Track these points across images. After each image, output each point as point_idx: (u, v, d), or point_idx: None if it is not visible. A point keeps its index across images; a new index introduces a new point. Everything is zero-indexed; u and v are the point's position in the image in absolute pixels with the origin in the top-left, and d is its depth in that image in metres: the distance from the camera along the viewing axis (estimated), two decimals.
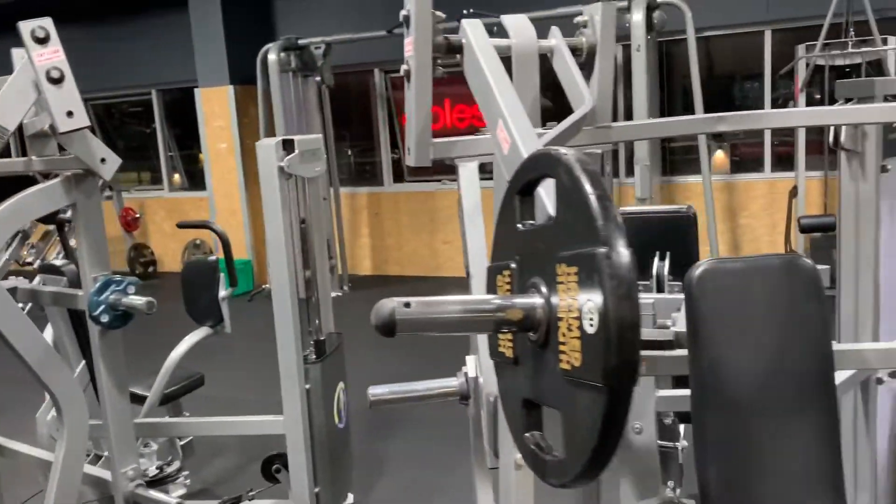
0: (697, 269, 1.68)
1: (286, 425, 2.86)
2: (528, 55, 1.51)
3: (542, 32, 1.55)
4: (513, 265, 1.06)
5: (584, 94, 1.44)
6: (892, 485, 2.19)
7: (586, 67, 1.58)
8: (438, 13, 1.49)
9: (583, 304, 0.86)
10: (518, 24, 1.52)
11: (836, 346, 1.79)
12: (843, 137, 2.23)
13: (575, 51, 1.57)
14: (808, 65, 5.58)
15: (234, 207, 7.65)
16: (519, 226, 1.06)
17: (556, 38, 1.54)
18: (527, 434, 1.06)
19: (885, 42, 5.35)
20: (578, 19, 1.57)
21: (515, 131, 1.23)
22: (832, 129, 2.25)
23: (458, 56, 1.51)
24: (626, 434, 2.19)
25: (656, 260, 2.36)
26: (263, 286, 7.11)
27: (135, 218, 8.68)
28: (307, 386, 2.90)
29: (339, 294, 7.44)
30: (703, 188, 5.89)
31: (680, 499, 2.04)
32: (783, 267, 1.67)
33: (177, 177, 9.38)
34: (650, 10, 5.72)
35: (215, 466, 3.77)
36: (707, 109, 6.71)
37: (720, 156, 7.12)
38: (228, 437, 3.77)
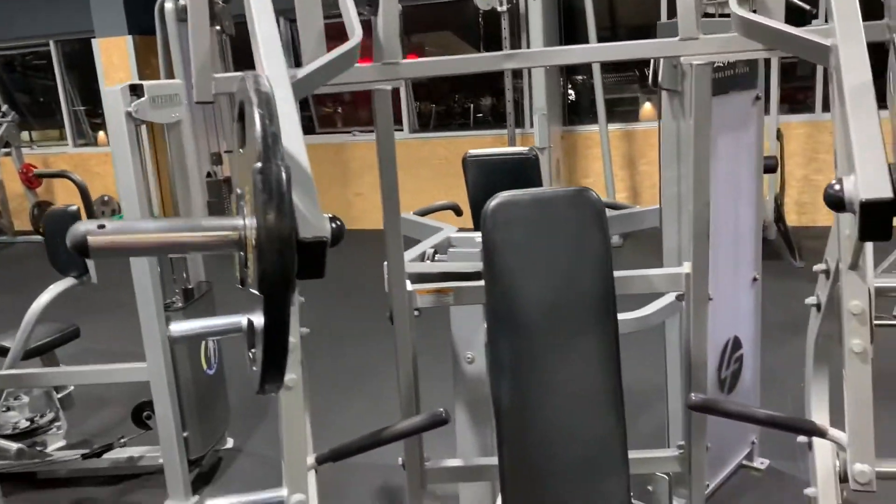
0: (491, 203, 1.76)
1: (149, 372, 2.88)
2: None
3: None
4: (238, 190, 1.10)
5: (354, 28, 1.47)
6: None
7: (372, 4, 1.61)
8: None
9: (252, 220, 0.91)
10: None
11: (630, 272, 1.90)
12: (661, 77, 2.32)
13: None
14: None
15: (143, 151, 7.44)
16: (240, 150, 1.10)
17: None
18: (251, 350, 1.11)
19: None
20: None
21: (265, 63, 1.26)
22: (651, 68, 2.34)
23: None
24: (460, 364, 2.29)
25: None
26: None
27: (36, 175, 8.39)
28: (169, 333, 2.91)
29: None
30: (600, 137, 6.01)
31: None
32: (570, 198, 1.75)
33: (102, 134, 9.05)
34: None
35: (98, 418, 3.76)
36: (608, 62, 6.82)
37: (648, 108, 7.26)
38: (113, 389, 3.76)
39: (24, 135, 9.45)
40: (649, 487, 2.60)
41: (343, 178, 7.85)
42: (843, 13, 1.24)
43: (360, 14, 1.55)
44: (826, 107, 6.59)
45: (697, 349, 1.86)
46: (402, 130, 7.62)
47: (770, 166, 5.90)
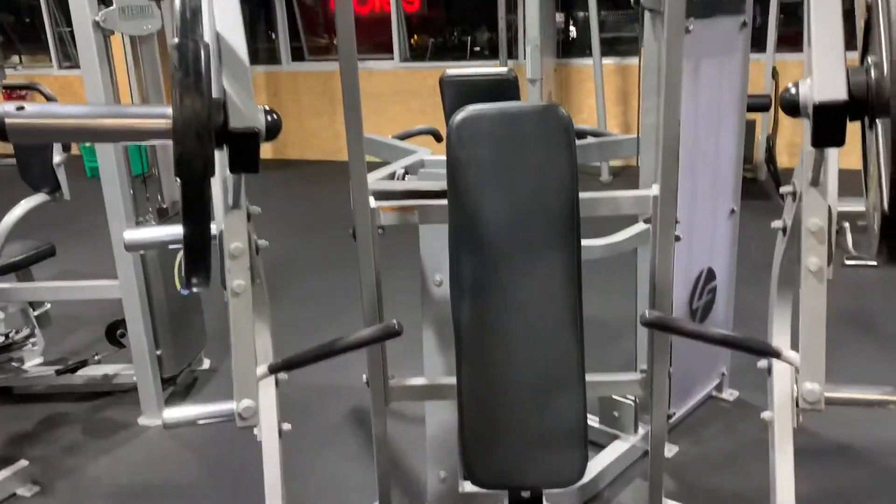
0: (457, 117, 1.71)
1: (121, 289, 2.88)
2: None
3: None
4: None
5: None
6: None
7: None
8: None
9: None
10: None
11: (597, 193, 1.87)
12: None
13: None
14: None
15: (121, 82, 7.30)
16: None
17: None
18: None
19: None
20: None
21: None
22: None
23: None
24: (428, 286, 2.27)
25: None
26: (153, 169, 6.93)
27: (20, 96, 8.24)
28: (141, 251, 2.90)
29: None
30: (594, 70, 5.89)
31: None
32: (538, 114, 1.71)
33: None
34: None
35: (74, 337, 3.77)
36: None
37: None
38: (89, 309, 3.74)
39: (15, 58, 9.26)
40: (615, 413, 2.62)
41: (332, 108, 7.73)
42: None
43: None
44: None
45: (662, 272, 1.84)
46: (392, 59, 7.47)
47: (763, 105, 5.81)
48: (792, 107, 0.97)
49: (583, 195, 1.75)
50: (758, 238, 3.82)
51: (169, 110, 0.97)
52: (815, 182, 1.24)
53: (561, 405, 1.71)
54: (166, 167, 3.23)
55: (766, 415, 1.79)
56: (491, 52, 7.57)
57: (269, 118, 1.00)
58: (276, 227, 5.21)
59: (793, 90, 0.97)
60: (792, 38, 6.70)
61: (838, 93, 0.91)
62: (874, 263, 3.24)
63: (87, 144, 8.00)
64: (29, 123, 0.92)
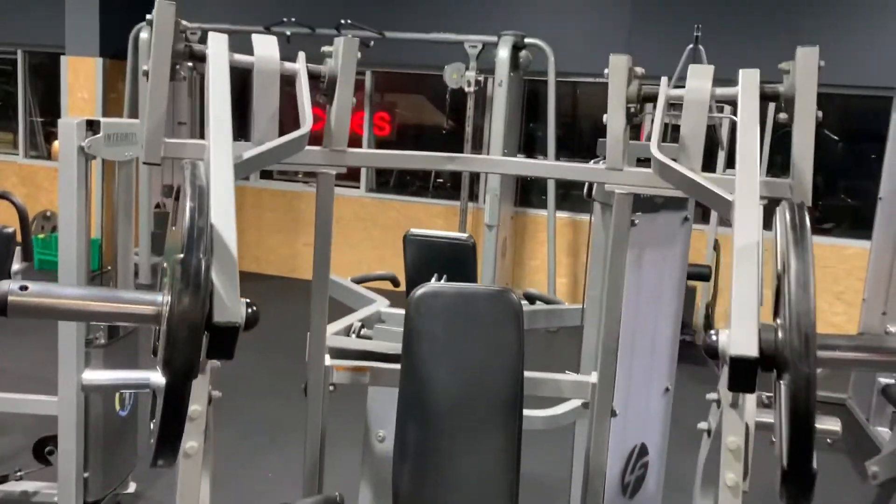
0: (417, 291, 1.84)
1: (59, 407, 2.84)
2: (269, 73, 1.61)
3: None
4: (164, 264, 1.15)
5: (306, 118, 1.55)
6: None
7: (328, 94, 1.70)
8: (185, 22, 1.57)
9: (166, 303, 0.96)
10: (263, 43, 1.63)
11: (540, 374, 1.98)
12: (595, 191, 2.46)
13: (319, 77, 1.69)
14: (652, 121, 5.99)
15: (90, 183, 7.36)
16: (172, 227, 1.16)
17: (299, 63, 1.66)
18: (153, 421, 1.15)
19: (720, 110, 5.84)
20: (325, 49, 1.69)
21: (212, 145, 1.33)
22: (587, 182, 2.48)
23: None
24: (371, 440, 2.31)
25: (433, 280, 2.51)
26: (108, 267, 6.89)
27: None
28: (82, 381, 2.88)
29: None
30: (547, 223, 6.20)
31: None
32: (491, 297, 1.84)
33: (56, 145, 8.89)
34: (517, 49, 6.00)
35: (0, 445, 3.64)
36: (567, 149, 7.10)
37: None
38: (16, 419, 3.64)
39: None
40: None
41: (293, 227, 7.88)
42: (744, 172, 1.37)
43: (315, 102, 1.65)
44: (766, 224, 6.91)
45: (596, 459, 1.94)
46: (358, 188, 7.74)
47: (703, 274, 6.12)
48: (712, 352, 1.11)
49: (527, 375, 1.87)
50: (690, 404, 3.96)
51: (158, 297, 1.06)
52: (735, 405, 1.37)
53: None
54: (125, 275, 3.26)
55: None
56: (453, 186, 7.87)
57: (249, 311, 1.09)
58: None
59: (714, 337, 1.11)
60: None
61: (750, 349, 1.05)
62: None
63: (41, 235, 7.97)
64: (29, 303, 1.00)
